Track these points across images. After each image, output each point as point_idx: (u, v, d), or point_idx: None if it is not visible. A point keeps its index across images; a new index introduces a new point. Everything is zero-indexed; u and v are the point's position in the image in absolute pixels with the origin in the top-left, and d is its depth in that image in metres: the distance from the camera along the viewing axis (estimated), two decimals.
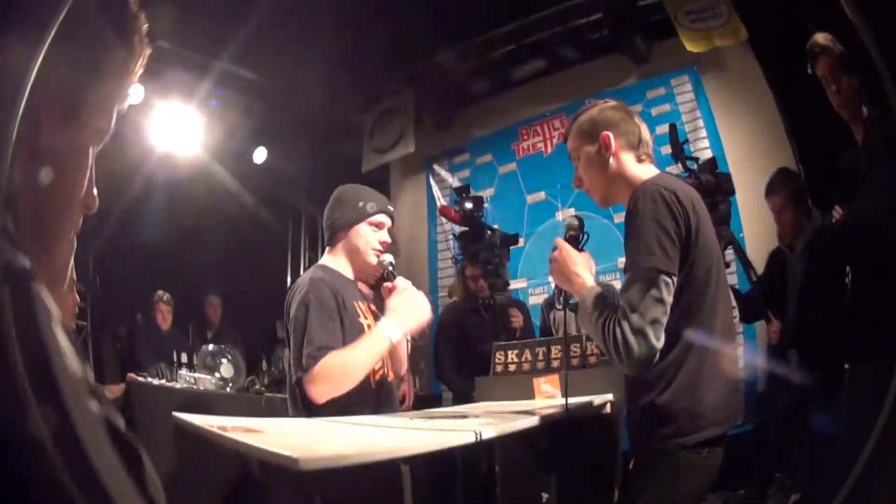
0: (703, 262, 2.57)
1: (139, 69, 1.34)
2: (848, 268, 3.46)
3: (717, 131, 7.12)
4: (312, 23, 6.91)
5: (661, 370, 2.51)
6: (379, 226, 3.50)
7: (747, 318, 5.38)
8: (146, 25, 1.31)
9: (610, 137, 2.77)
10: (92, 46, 1.18)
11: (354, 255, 3.51)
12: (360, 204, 3.50)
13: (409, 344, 3.67)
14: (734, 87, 7.21)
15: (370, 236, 3.47)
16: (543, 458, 3.64)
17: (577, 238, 2.95)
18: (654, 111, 7.59)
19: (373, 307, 3.58)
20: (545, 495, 3.83)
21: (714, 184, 4.95)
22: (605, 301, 2.61)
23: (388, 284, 3.44)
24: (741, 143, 6.60)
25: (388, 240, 3.53)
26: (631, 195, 2.64)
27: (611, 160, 2.78)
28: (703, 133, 7.21)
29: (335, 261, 3.54)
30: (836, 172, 3.88)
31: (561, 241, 2.85)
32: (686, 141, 5.61)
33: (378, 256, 3.48)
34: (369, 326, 3.39)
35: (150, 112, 7.65)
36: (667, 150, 6.83)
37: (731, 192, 5.07)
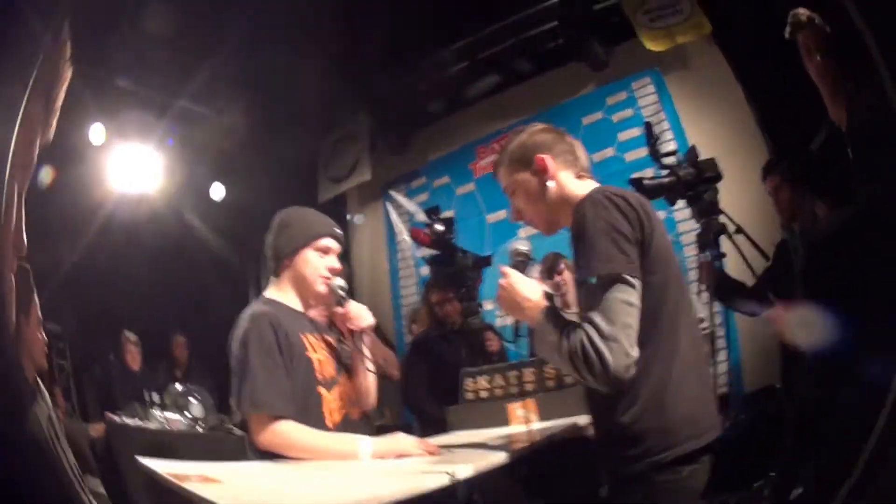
0: (660, 268, 2.40)
1: (62, 94, 1.29)
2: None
3: (683, 131, 7.00)
4: (264, 54, 6.93)
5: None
6: (326, 251, 3.29)
7: (753, 311, 5.12)
8: (70, 49, 1.28)
9: (545, 160, 2.66)
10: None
11: (301, 284, 3.30)
12: (305, 228, 3.31)
13: (377, 374, 3.48)
14: (699, 84, 7.10)
15: (317, 262, 3.26)
16: (526, 487, 3.52)
17: (524, 264, 2.77)
18: (616, 117, 7.52)
19: (327, 338, 3.37)
20: None
21: (694, 175, 4.84)
22: (560, 316, 2.45)
23: (339, 310, 3.30)
24: (709, 140, 6.35)
25: (338, 266, 3.32)
26: (575, 207, 2.46)
27: (549, 184, 2.66)
28: (670, 135, 7.07)
29: (280, 292, 3.32)
30: (817, 158, 3.83)
31: (507, 269, 2.68)
32: (657, 138, 5.45)
33: (327, 284, 3.27)
34: (319, 361, 3.19)
35: (110, 152, 7.67)
36: (632, 156, 6.75)
37: (717, 177, 4.91)
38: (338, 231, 3.36)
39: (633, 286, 2.25)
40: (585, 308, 2.30)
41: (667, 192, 4.87)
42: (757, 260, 5.09)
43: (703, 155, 5.15)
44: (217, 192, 8.96)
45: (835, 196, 4.14)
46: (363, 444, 2.88)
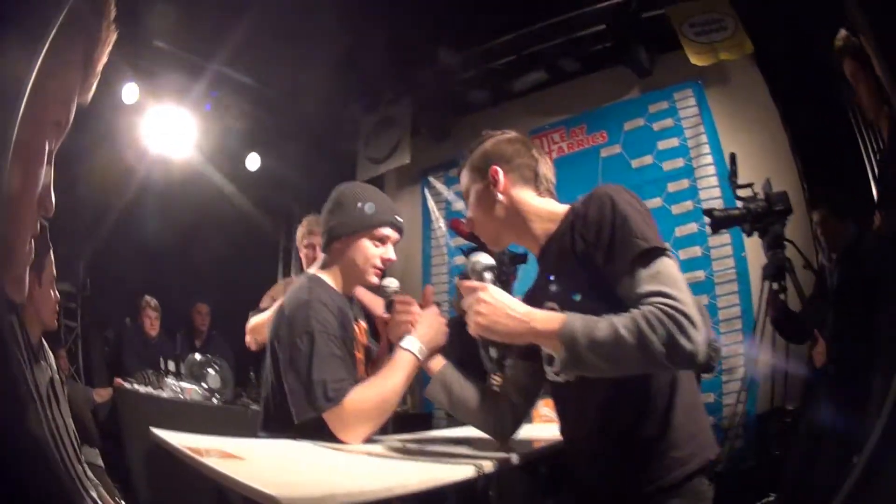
0: None
1: (104, 57, 1.24)
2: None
3: (721, 147, 6.96)
4: (311, 28, 6.81)
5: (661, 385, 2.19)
6: (383, 240, 3.09)
7: (799, 338, 5.18)
8: (115, 10, 1.23)
9: (498, 172, 2.52)
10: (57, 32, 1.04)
11: (350, 269, 3.09)
12: (363, 212, 3.06)
13: None
14: (738, 101, 7.09)
15: (371, 251, 3.05)
16: (542, 485, 3.39)
17: (493, 281, 2.48)
18: (657, 126, 7.49)
19: (360, 335, 3.20)
20: None
21: (765, 207, 4.86)
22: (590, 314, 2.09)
23: (385, 315, 3.01)
24: (745, 158, 6.36)
25: (393, 257, 3.11)
26: (596, 194, 2.24)
27: (500, 197, 2.52)
28: (707, 149, 7.09)
29: (327, 272, 3.12)
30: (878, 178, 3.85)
31: (479, 283, 2.37)
32: (734, 172, 5.39)
33: (378, 276, 3.07)
34: (358, 359, 3.04)
35: (144, 113, 7.62)
36: (669, 165, 6.81)
37: (787, 211, 4.93)
38: (399, 220, 3.14)
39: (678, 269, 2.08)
40: (648, 279, 2.03)
41: (735, 223, 4.93)
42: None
43: (739, 172, 5.22)
44: (253, 162, 8.91)
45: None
46: (410, 343, 2.81)
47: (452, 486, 2.16)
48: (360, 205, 3.06)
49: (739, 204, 5.02)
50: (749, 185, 5.15)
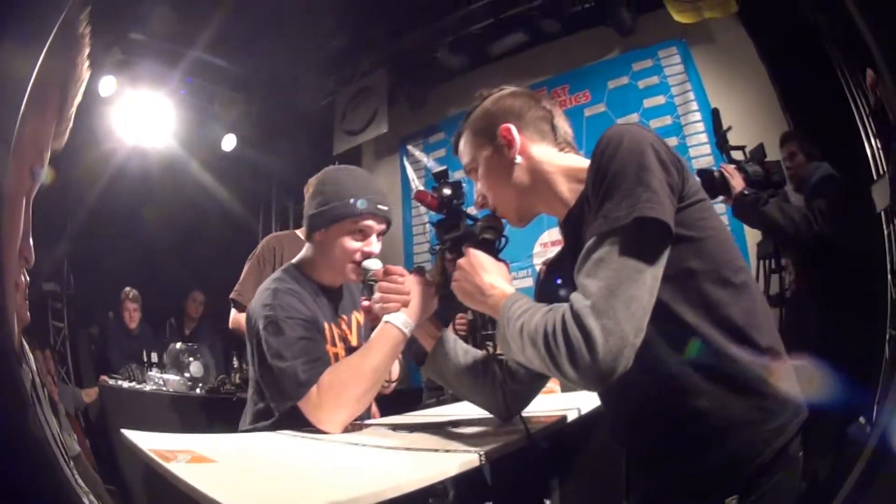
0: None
1: (78, 97, 1.22)
2: None
3: (709, 104, 6.81)
4: (281, 4, 6.88)
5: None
6: (365, 232, 2.84)
7: None
8: (90, 47, 1.20)
9: (511, 130, 2.14)
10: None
11: (329, 263, 2.90)
12: (342, 201, 2.82)
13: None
14: (724, 59, 7.02)
15: (350, 245, 2.81)
16: (545, 461, 3.05)
17: (492, 243, 2.34)
18: (642, 83, 7.44)
19: (345, 330, 3.05)
20: (547, 502, 3.25)
21: (763, 176, 4.64)
22: (527, 298, 1.99)
23: (365, 303, 2.74)
24: (733, 115, 6.23)
25: (374, 251, 2.85)
26: (604, 138, 1.82)
27: (518, 159, 2.14)
28: (695, 106, 7.03)
29: (309, 264, 2.95)
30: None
31: (470, 248, 2.25)
32: (730, 128, 5.07)
33: (357, 273, 2.82)
34: (336, 356, 2.84)
35: (121, 104, 7.64)
36: (657, 123, 6.73)
37: (782, 183, 4.77)
38: (382, 209, 2.88)
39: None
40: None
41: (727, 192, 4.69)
42: None
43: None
44: (228, 143, 8.88)
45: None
46: (395, 318, 2.58)
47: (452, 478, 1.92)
48: (340, 193, 2.84)
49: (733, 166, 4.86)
50: (741, 148, 4.93)
